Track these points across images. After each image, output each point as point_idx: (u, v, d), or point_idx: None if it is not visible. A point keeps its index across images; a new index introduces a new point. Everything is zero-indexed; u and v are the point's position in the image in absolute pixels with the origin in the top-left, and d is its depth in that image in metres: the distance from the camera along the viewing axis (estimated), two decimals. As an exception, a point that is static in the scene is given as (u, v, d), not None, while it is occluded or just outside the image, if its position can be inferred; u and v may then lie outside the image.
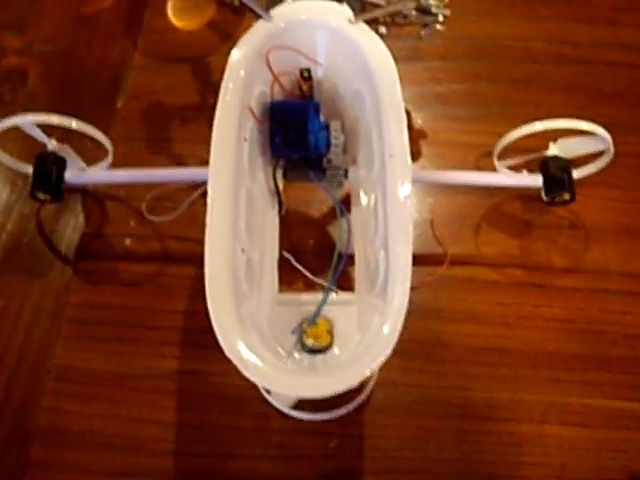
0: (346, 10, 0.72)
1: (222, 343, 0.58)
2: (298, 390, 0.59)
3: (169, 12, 0.92)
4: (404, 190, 0.63)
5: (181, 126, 0.84)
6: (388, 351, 0.58)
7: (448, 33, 0.82)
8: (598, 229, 0.80)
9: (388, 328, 0.59)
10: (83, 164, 0.75)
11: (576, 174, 0.75)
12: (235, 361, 0.58)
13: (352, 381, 0.58)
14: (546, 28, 0.93)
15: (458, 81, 0.88)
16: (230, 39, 0.89)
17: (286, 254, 0.72)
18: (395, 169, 0.64)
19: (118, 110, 0.85)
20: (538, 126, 0.71)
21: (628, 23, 0.94)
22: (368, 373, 0.58)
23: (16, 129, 0.69)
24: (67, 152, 0.74)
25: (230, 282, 0.60)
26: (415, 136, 0.82)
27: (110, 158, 0.74)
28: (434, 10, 0.75)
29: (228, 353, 0.57)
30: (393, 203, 0.63)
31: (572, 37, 0.92)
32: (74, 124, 0.70)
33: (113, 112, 0.84)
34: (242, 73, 0.69)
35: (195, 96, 0.86)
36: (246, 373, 0.57)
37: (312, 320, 0.66)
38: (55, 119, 0.69)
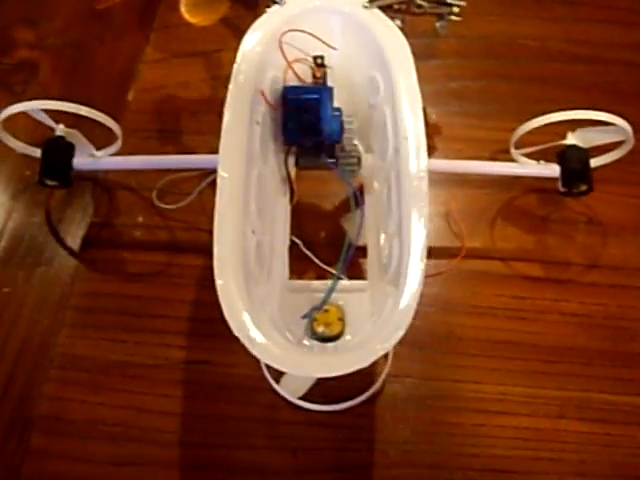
0: (360, -5, 0.71)
1: (229, 320, 0.56)
2: (309, 369, 0.57)
3: (182, 8, 0.92)
4: (419, 168, 0.62)
5: (191, 119, 0.84)
6: (402, 331, 0.56)
7: (463, 32, 0.82)
8: (616, 225, 0.79)
9: (403, 306, 0.57)
10: (93, 149, 0.74)
11: (594, 162, 0.74)
12: (242, 339, 0.56)
13: (365, 360, 0.56)
14: (562, 28, 0.92)
15: (473, 78, 0.88)
16: (243, 34, 0.88)
17: (296, 239, 0.71)
18: (410, 150, 0.63)
19: (129, 103, 0.84)
20: (556, 116, 0.70)
21: (641, 25, 0.94)
22: (381, 352, 0.56)
23: (25, 117, 0.69)
24: (76, 137, 0.73)
25: (239, 260, 0.59)
26: (430, 132, 0.80)
27: (119, 143, 0.73)
28: (449, 0, 0.74)
29: (235, 331, 0.56)
30: (408, 181, 0.62)
31: (588, 37, 0.92)
32: (83, 110, 0.69)
33: (124, 104, 0.83)
34: (255, 56, 0.68)
35: (206, 90, 0.86)
36: (254, 352, 0.56)
37: (321, 306, 0.64)
38: (61, 105, 0.68)
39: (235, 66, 0.66)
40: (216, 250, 0.58)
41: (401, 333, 0.56)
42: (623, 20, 0.94)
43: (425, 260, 0.58)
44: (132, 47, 0.88)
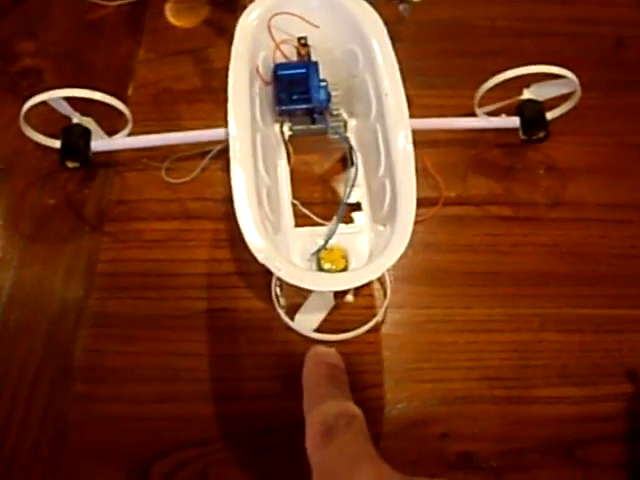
0: (334, -19, 0.81)
1: (251, 246, 0.65)
2: (329, 284, 0.66)
3: (167, 13, 1.01)
4: (403, 115, 0.72)
5: (188, 107, 0.92)
6: (406, 241, 0.65)
7: (421, 17, 0.92)
8: (571, 169, 0.89)
9: (401, 225, 0.67)
10: (105, 135, 0.82)
11: (550, 115, 0.84)
12: (266, 263, 0.64)
13: (376, 273, 0.65)
14: (509, 8, 1.04)
15: (433, 56, 0.98)
16: (226, 33, 0.97)
17: (293, 200, 0.79)
18: (391, 103, 0.73)
19: (129, 97, 0.93)
20: (511, 72, 0.80)
21: (577, 1, 1.06)
22: (388, 264, 0.65)
23: (39, 111, 0.78)
24: (91, 124, 0.81)
25: (255, 201, 0.67)
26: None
27: (130, 125, 0.81)
28: (411, -15, 0.85)
29: (258, 255, 0.64)
30: (393, 128, 0.72)
31: (532, 14, 1.04)
32: (98, 95, 0.77)
33: (125, 99, 0.91)
34: (249, 38, 0.77)
35: (198, 82, 0.95)
36: (279, 274, 0.64)
37: (325, 243, 0.73)
38: (81, 92, 0.77)
39: (233, 46, 0.76)
40: (236, 192, 0.67)
41: (402, 249, 0.66)
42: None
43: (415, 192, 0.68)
44: (126, 50, 0.97)
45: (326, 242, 0.74)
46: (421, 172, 0.83)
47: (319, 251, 0.74)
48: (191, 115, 0.91)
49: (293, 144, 0.82)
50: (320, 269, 0.74)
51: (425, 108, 0.87)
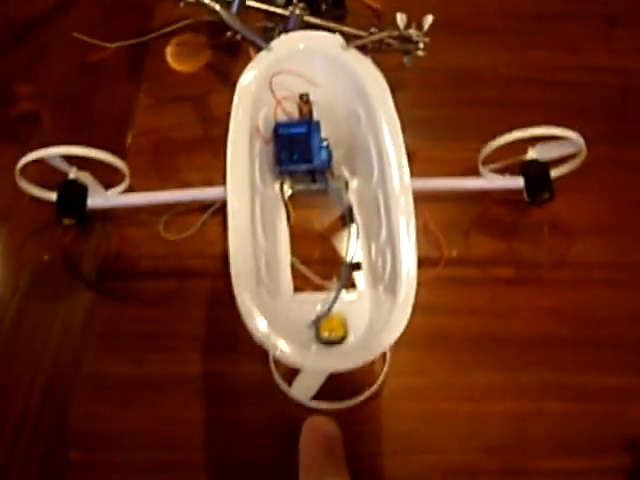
0: (338, 38, 0.80)
1: (249, 325, 0.64)
2: (326, 364, 0.65)
3: (168, 57, 0.99)
4: (404, 184, 0.71)
5: (187, 157, 0.91)
6: (405, 321, 0.64)
7: (427, 64, 0.90)
8: (576, 228, 0.88)
9: (402, 299, 0.66)
10: (102, 189, 0.81)
11: (554, 173, 0.83)
12: (264, 341, 0.63)
13: (373, 353, 0.64)
14: (513, 56, 1.02)
15: (438, 106, 0.97)
16: (227, 79, 0.96)
17: (292, 258, 0.78)
18: (394, 170, 0.72)
19: (128, 146, 0.91)
20: (516, 134, 0.79)
21: (586, 48, 1.04)
22: (387, 344, 0.64)
23: (33, 166, 0.76)
24: (87, 179, 0.80)
25: (253, 273, 0.66)
26: (405, 156, 0.90)
27: (127, 180, 0.80)
28: (415, 38, 0.84)
29: (256, 334, 0.63)
30: (394, 197, 0.71)
31: (538, 62, 1.02)
32: (94, 153, 0.76)
33: (123, 148, 0.90)
34: (250, 96, 0.76)
35: (198, 130, 0.93)
36: (276, 353, 0.63)
37: (327, 313, 0.72)
38: (77, 149, 0.75)
39: (233, 107, 0.75)
40: (233, 267, 0.66)
41: (403, 325, 0.65)
42: (566, 44, 1.04)
43: (417, 265, 0.67)
44: (125, 95, 0.96)
45: (327, 312, 0.73)
46: (422, 229, 0.82)
47: (318, 321, 0.72)
48: (190, 166, 0.90)
49: (294, 198, 0.81)
50: (319, 337, 0.72)
51: (428, 162, 0.86)
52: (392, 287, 0.69)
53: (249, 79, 0.77)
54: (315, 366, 0.65)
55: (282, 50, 0.79)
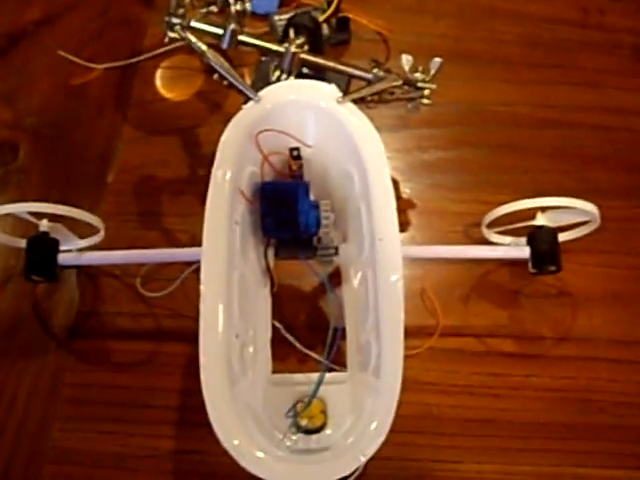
0: (334, 90, 0.73)
1: (219, 435, 0.59)
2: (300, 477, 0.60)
3: (158, 82, 0.93)
4: (394, 276, 0.64)
5: (172, 200, 0.85)
6: (381, 439, 0.59)
7: (433, 100, 0.83)
8: (584, 296, 0.82)
9: (381, 416, 0.60)
10: (77, 240, 0.75)
11: (562, 237, 0.76)
12: (232, 452, 0.59)
13: (347, 468, 0.59)
14: (530, 92, 0.94)
15: (444, 148, 0.90)
16: (219, 109, 0.90)
17: (277, 323, 0.73)
18: (385, 253, 0.66)
19: (109, 185, 0.86)
20: (526, 203, 0.73)
21: (610, 85, 0.95)
22: (363, 460, 0.59)
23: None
24: (59, 230, 0.74)
25: (225, 372, 0.61)
26: (403, 206, 0.83)
27: (102, 234, 0.75)
28: (420, 84, 0.76)
29: (225, 444, 0.59)
30: (384, 289, 0.64)
31: (555, 100, 0.94)
32: (64, 210, 0.70)
33: (103, 187, 0.85)
34: (233, 156, 0.70)
35: (185, 169, 0.87)
36: (244, 464, 0.59)
37: (308, 403, 0.67)
38: (45, 207, 0.70)
39: (213, 169, 0.68)
40: (202, 365, 0.61)
41: (381, 440, 0.60)
42: (588, 81, 0.96)
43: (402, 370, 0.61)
44: (109, 125, 0.90)
45: (306, 405, 0.67)
46: (418, 295, 0.77)
47: (296, 414, 0.67)
48: (174, 211, 0.85)
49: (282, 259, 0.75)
50: (297, 425, 0.67)
51: (430, 214, 0.81)
52: (377, 376, 0.64)
53: (233, 136, 0.71)
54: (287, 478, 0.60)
55: (270, 102, 0.72)
